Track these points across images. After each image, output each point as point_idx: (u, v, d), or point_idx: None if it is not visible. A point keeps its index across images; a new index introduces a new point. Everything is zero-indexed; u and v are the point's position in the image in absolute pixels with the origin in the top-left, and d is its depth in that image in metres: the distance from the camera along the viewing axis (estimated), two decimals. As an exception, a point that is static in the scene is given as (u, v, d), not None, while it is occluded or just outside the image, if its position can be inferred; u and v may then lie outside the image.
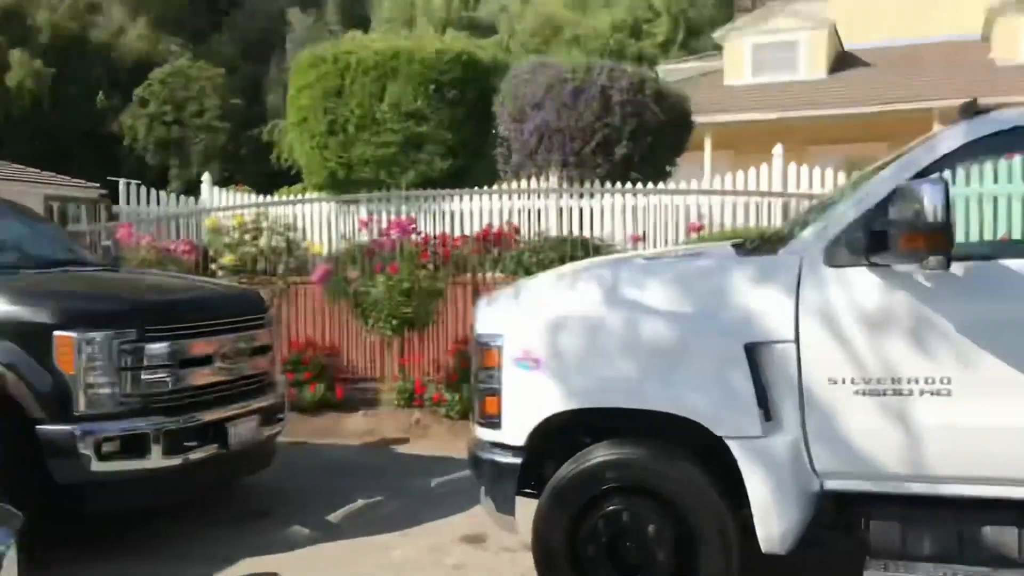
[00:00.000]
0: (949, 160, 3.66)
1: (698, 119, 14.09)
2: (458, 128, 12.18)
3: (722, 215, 9.80)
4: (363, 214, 10.79)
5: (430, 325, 8.44)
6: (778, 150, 10.56)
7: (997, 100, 13.32)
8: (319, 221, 11.75)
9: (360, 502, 5.90)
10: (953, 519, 3.57)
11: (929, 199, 3.17)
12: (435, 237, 9.81)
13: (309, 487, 6.26)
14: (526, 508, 3.98)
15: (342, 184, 12.61)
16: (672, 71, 23.10)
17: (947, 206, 3.18)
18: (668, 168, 11.88)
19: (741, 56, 20.32)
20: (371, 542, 5.14)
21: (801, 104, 18.30)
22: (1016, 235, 8.02)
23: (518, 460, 3.90)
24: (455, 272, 8.98)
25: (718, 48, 22.00)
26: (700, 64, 23.12)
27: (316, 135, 12.71)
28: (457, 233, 10.32)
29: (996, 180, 8.46)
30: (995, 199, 8.43)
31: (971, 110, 3.74)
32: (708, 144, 17.73)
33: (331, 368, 8.68)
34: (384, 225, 9.08)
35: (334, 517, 5.63)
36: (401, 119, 12.06)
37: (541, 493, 3.89)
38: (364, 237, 9.21)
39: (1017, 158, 8.10)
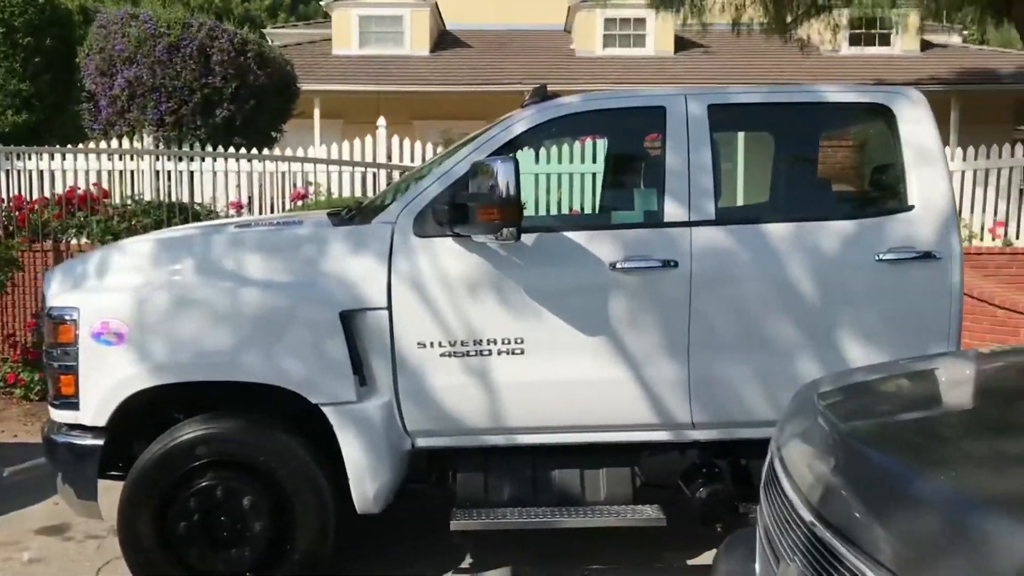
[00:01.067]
0: (521, 140, 4.02)
1: (306, 87, 13.95)
2: (34, 79, 10.91)
3: (329, 183, 9.80)
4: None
5: (2, 297, 7.59)
6: (382, 122, 10.79)
7: (576, 87, 14.87)
8: None
9: (-93, 505, 5.14)
10: (529, 466, 3.95)
11: (502, 175, 3.45)
12: (9, 199, 8.81)
13: None
14: (110, 492, 3.75)
15: None
16: (280, 35, 22.64)
17: (517, 182, 3.48)
18: (274, 134, 11.64)
19: (349, 26, 20.40)
20: (-77, 548, 4.52)
21: (406, 79, 18.85)
22: (587, 210, 8.97)
23: (99, 442, 3.66)
24: (33, 238, 8.14)
25: (327, 16, 21.90)
26: (309, 31, 22.86)
27: None
28: (36, 195, 9.29)
29: (572, 160, 9.41)
30: (571, 177, 9.37)
31: (541, 95, 4.12)
32: (317, 112, 17.66)
33: None
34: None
35: None
36: (-38, 65, 10.54)
37: (128, 475, 3.69)
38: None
39: (590, 141, 9.10)
